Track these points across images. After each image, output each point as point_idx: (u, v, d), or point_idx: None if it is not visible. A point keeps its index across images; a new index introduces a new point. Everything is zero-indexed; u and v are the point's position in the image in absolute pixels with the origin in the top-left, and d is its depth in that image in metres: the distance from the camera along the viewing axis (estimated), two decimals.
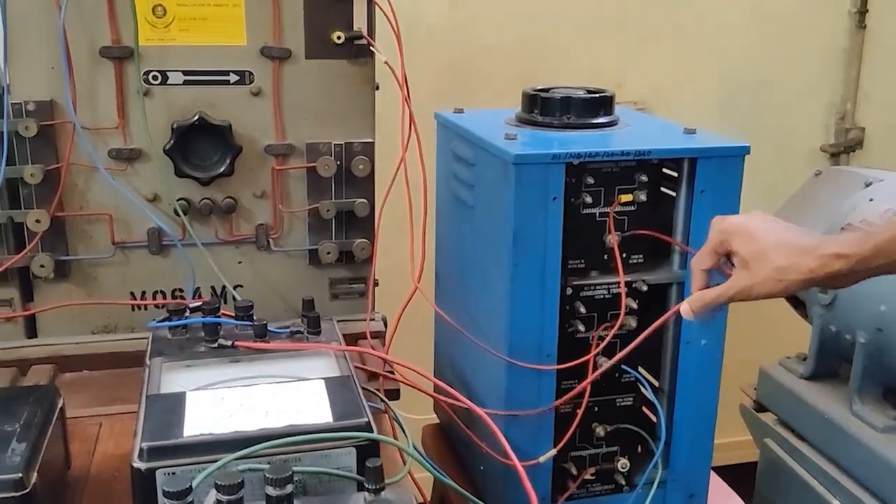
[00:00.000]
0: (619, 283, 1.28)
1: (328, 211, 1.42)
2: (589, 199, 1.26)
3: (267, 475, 0.77)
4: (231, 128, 1.35)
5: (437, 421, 1.63)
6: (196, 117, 1.34)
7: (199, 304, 1.14)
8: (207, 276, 1.42)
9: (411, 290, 1.33)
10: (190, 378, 1.01)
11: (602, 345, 1.28)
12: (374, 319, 1.50)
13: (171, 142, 1.34)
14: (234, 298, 1.41)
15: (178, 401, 0.93)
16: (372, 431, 0.88)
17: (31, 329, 1.40)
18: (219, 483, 0.76)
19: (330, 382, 0.97)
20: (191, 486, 0.77)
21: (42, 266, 1.33)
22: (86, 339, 1.40)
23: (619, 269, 1.27)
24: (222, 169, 1.36)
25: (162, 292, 1.43)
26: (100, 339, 1.40)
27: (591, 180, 1.24)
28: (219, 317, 1.13)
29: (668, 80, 2.36)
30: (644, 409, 1.37)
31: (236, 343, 1.07)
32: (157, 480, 0.83)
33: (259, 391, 0.96)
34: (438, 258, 1.53)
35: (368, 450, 0.88)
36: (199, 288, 1.43)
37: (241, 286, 1.45)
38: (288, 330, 1.12)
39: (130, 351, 1.38)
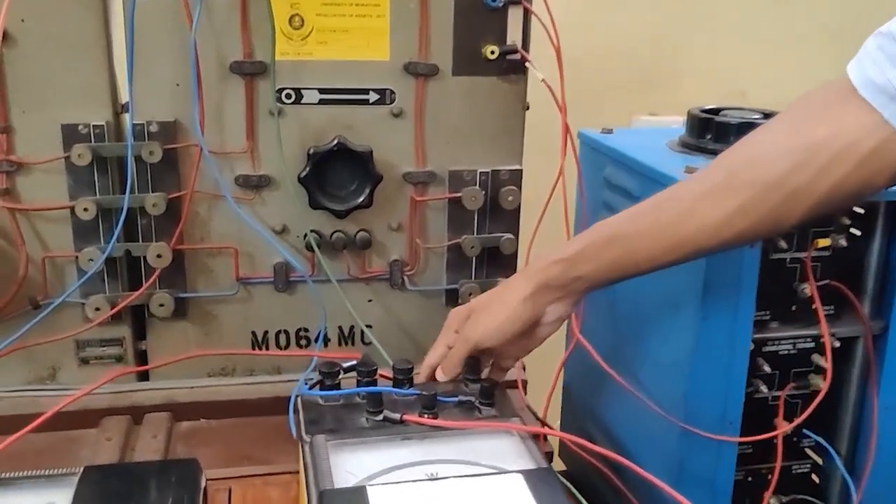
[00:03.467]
0: (807, 336, 1.13)
1: (472, 248, 1.27)
2: (783, 244, 1.10)
3: None
4: (372, 154, 1.21)
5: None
6: (335, 142, 1.19)
7: (353, 363, 1.00)
8: (333, 315, 1.28)
9: (571, 342, 1.18)
10: (360, 462, 0.87)
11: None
12: None
13: (308, 169, 1.19)
14: (362, 341, 1.27)
15: (359, 498, 0.79)
16: None
17: (143, 371, 1.28)
18: None
19: (530, 477, 0.83)
20: None
21: (161, 305, 1.20)
22: (202, 382, 1.27)
23: (821, 320, 1.11)
24: (360, 199, 1.22)
25: (286, 332, 1.29)
26: (217, 384, 1.27)
27: None
28: (375, 378, 0.99)
29: (792, 90, 2.18)
30: (814, 477, 1.22)
31: (405, 418, 0.92)
32: None
33: (450, 487, 0.82)
34: (586, 301, 1.38)
35: None
36: (326, 331, 1.29)
37: (371, 326, 1.31)
38: (456, 399, 0.97)
39: (252, 399, 1.25)
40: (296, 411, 0.96)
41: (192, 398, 1.24)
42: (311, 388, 0.97)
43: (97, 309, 1.17)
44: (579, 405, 1.42)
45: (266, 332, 1.29)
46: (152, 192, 1.17)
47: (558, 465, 1.45)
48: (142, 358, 1.27)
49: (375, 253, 1.28)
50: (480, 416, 0.95)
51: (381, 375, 1.00)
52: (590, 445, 1.06)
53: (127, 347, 1.25)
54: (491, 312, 0.99)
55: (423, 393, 0.94)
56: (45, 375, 1.24)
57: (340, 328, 1.31)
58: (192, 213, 1.21)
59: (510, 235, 1.28)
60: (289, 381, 1.25)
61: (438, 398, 0.96)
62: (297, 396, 0.97)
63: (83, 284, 1.17)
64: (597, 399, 1.33)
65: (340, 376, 0.99)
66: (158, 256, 1.17)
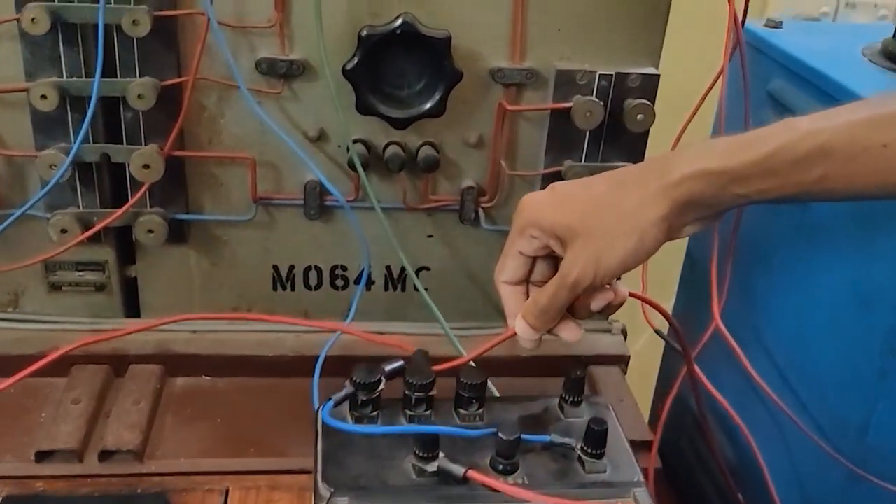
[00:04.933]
0: None
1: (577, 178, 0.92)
2: None
3: None
4: (450, 42, 0.85)
5: None
6: (399, 21, 0.83)
7: (399, 365, 0.69)
8: (382, 253, 0.96)
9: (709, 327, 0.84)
10: None
11: None
12: (610, 330, 1.03)
13: (357, 58, 0.84)
14: (414, 287, 0.95)
15: None
16: None
17: (132, 305, 0.98)
18: None
19: None
20: None
21: (150, 232, 0.89)
22: (207, 326, 0.97)
23: None
24: (429, 104, 0.87)
25: (317, 269, 0.98)
26: (227, 329, 0.97)
27: None
28: (431, 396, 0.68)
29: None
30: None
31: (470, 475, 0.61)
32: None
33: None
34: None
35: None
36: (370, 271, 0.98)
37: (428, 270, 0.99)
38: (548, 440, 0.66)
39: (269, 356, 0.95)
40: (315, 442, 0.66)
41: (192, 348, 0.95)
42: (337, 405, 0.67)
43: (63, 231, 0.87)
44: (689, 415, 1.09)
45: (292, 269, 0.97)
46: (139, 76, 0.83)
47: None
48: (130, 288, 0.97)
49: (443, 176, 0.94)
50: (585, 479, 0.64)
51: (440, 370, 0.69)
52: None
53: (111, 273, 0.95)
54: (609, 237, 0.63)
55: (501, 435, 0.63)
56: (4, 301, 0.96)
57: (389, 269, 0.99)
58: (196, 107, 0.87)
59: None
60: (318, 332, 0.95)
61: (522, 437, 0.65)
62: (318, 419, 0.66)
63: (48, 196, 0.86)
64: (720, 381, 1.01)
65: (381, 387, 0.68)
66: (145, 167, 0.85)
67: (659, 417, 0.89)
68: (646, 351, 1.39)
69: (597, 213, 0.64)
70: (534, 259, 0.69)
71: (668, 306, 1.05)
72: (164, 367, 0.94)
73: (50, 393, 0.90)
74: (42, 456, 0.82)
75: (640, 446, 0.89)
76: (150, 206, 0.90)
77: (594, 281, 0.64)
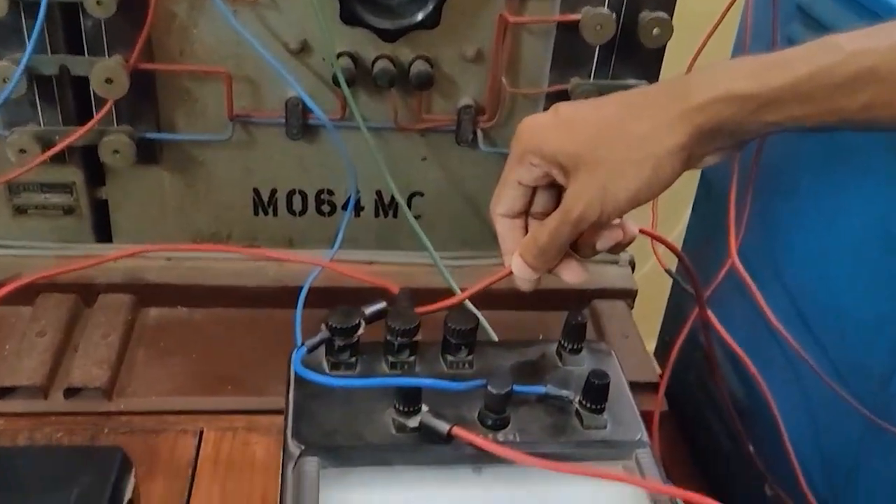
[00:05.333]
0: None
1: (585, 97, 0.83)
2: None
3: None
4: None
5: None
6: None
7: (381, 307, 0.62)
8: (371, 177, 0.88)
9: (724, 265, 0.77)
10: None
11: None
12: (617, 262, 0.97)
13: None
14: (408, 213, 0.88)
15: None
16: None
17: (103, 229, 0.92)
18: None
19: None
20: None
21: (116, 152, 0.81)
22: (183, 253, 0.91)
23: None
24: (422, 15, 0.79)
25: (301, 193, 0.91)
26: (204, 256, 0.91)
27: None
28: (415, 342, 0.62)
29: None
30: None
31: (455, 432, 0.56)
32: None
33: None
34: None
35: None
36: (359, 196, 0.91)
37: (421, 195, 0.92)
38: (543, 391, 0.60)
39: (251, 286, 0.89)
40: (286, 392, 0.60)
41: (167, 277, 0.89)
42: (311, 351, 0.61)
43: (21, 151, 0.79)
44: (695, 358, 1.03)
45: (274, 193, 0.90)
46: None
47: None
48: (100, 211, 0.91)
49: (439, 93, 0.86)
50: (582, 436, 0.58)
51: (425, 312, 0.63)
52: None
53: (79, 196, 0.88)
54: (619, 167, 0.55)
55: (491, 389, 0.57)
56: None
57: (379, 194, 0.92)
58: (165, 15, 0.79)
59: (644, 83, 0.85)
60: (303, 262, 0.88)
61: (515, 389, 0.59)
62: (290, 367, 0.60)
63: (5, 112, 0.79)
64: (732, 319, 0.95)
65: (360, 331, 0.61)
66: (108, 81, 0.77)
67: (666, 352, 0.83)
68: (653, 275, 1.33)
69: (606, 140, 0.56)
70: (534, 189, 0.62)
71: (678, 234, 0.99)
72: (136, 297, 0.88)
73: (15, 323, 0.85)
74: (4, 392, 0.77)
75: (644, 388, 0.84)
76: (118, 125, 0.82)
77: (601, 217, 0.57)
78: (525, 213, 0.62)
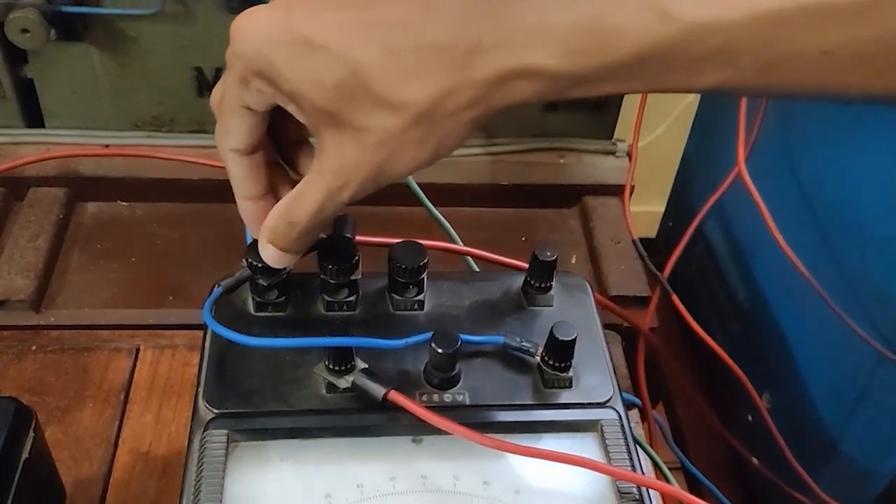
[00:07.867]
0: None
1: None
2: None
3: None
4: None
5: None
6: None
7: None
8: None
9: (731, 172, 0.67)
10: (298, 488, 0.45)
11: None
12: (614, 152, 0.86)
13: None
14: None
15: None
16: None
17: (33, 112, 0.81)
18: None
19: None
20: None
21: (25, 32, 0.70)
22: (121, 137, 0.81)
23: None
24: None
25: None
26: (144, 143, 0.81)
27: None
28: (353, 281, 0.53)
29: None
30: None
31: (392, 396, 0.47)
32: None
33: None
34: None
35: None
36: None
37: None
38: (500, 340, 0.51)
39: (196, 179, 0.80)
40: (202, 345, 0.52)
41: (105, 168, 0.80)
42: (230, 292, 0.52)
43: None
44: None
45: (218, 71, 0.79)
46: None
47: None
48: (27, 92, 0.80)
49: None
50: (542, 397, 0.50)
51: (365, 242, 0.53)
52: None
53: (0, 75, 0.78)
54: (395, 142, 0.40)
55: (436, 347, 0.48)
56: None
57: None
58: None
59: None
60: None
61: (468, 338, 0.50)
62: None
63: None
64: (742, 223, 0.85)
65: (287, 269, 0.52)
66: None
67: (667, 237, 0.74)
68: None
69: (368, 101, 0.39)
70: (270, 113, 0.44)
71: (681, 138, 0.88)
72: (70, 191, 0.79)
73: None
74: None
75: (633, 301, 0.76)
76: None
77: (374, 191, 0.42)
78: (263, 143, 0.45)
